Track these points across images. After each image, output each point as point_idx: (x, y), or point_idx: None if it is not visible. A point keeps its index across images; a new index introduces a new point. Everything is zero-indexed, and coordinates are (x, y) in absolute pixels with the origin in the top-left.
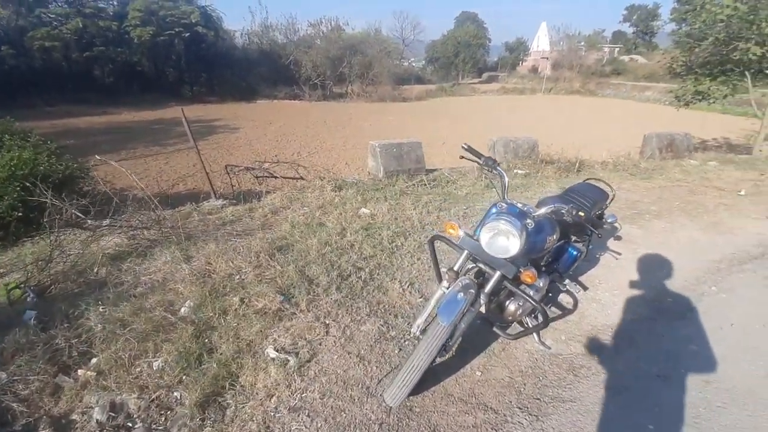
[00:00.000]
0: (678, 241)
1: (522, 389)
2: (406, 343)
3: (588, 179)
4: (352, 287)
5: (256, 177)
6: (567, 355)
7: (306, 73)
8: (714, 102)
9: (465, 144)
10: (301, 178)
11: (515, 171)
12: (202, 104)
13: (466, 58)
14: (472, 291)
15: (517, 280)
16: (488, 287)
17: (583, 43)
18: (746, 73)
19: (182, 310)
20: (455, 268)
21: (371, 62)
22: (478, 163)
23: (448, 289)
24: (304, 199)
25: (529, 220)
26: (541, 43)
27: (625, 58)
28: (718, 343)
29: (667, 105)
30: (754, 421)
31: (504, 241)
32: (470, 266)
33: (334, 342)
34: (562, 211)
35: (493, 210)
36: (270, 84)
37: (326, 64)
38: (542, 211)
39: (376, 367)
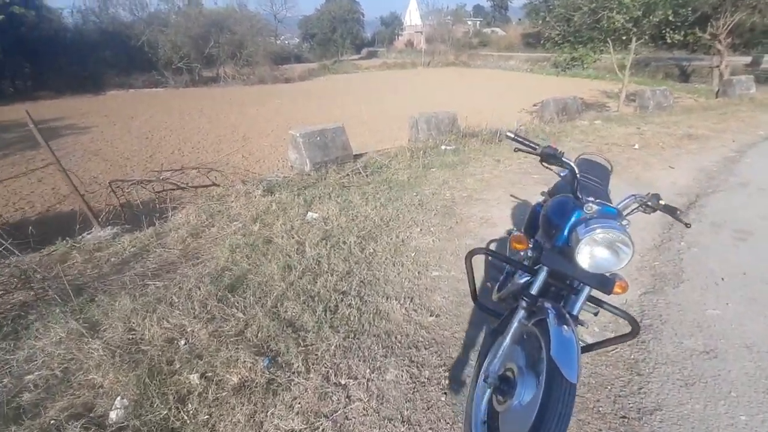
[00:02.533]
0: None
1: None
2: (446, 381)
3: (582, 155)
4: (349, 321)
5: (156, 192)
6: None
7: (166, 56)
8: (586, 67)
9: (510, 132)
10: (215, 185)
11: (443, 147)
12: (31, 101)
13: (344, 34)
14: (566, 316)
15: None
16: (576, 307)
17: (450, 18)
18: (608, 40)
19: (112, 415)
20: (534, 292)
21: (242, 41)
22: (535, 154)
23: (527, 320)
24: (229, 210)
25: (625, 221)
26: (413, 17)
27: (488, 30)
28: None
29: (528, 72)
30: None
31: (609, 254)
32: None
33: (364, 409)
34: (648, 203)
35: (577, 214)
36: (122, 71)
37: (189, 44)
38: (628, 205)
39: (430, 429)
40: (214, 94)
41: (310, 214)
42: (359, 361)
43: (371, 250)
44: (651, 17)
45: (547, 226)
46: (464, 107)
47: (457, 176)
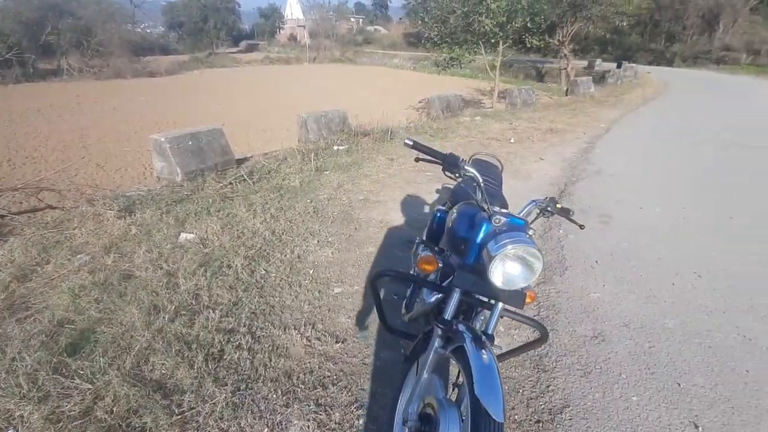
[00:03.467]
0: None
1: None
2: (361, 421)
3: (475, 155)
4: (238, 369)
5: None
6: None
7: None
8: (463, 66)
9: (409, 139)
10: (51, 207)
11: (335, 147)
12: None
13: (218, 24)
14: (482, 339)
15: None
16: (491, 326)
17: (332, 13)
18: (480, 42)
19: None
20: (448, 317)
21: (90, 28)
22: (438, 163)
23: (443, 348)
24: (72, 241)
25: (531, 230)
26: (294, 11)
27: (371, 28)
28: None
29: (411, 70)
30: None
31: (522, 268)
32: (432, 298)
33: None
34: (548, 208)
35: (486, 227)
36: None
37: (20, 31)
38: (530, 211)
39: None
40: (55, 90)
41: (183, 235)
42: (254, 418)
43: (262, 272)
44: (513, 23)
45: (455, 240)
46: (353, 105)
47: (352, 178)
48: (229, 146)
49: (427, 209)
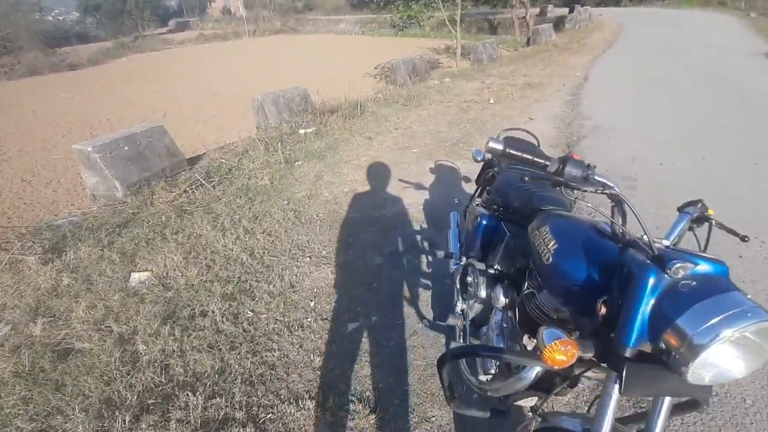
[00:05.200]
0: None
1: None
2: None
3: (506, 131)
4: None
5: None
6: None
7: None
8: (423, 25)
9: (495, 140)
10: None
11: (301, 131)
12: None
13: (141, 3)
14: None
15: None
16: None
17: None
18: None
19: None
20: None
21: None
22: (547, 179)
23: None
24: None
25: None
26: None
27: None
28: None
29: (360, 35)
30: None
31: (743, 356)
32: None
33: None
34: (704, 218)
35: (651, 281)
36: None
37: None
38: (683, 230)
39: None
40: None
41: (135, 276)
42: None
43: (249, 315)
44: None
45: (563, 291)
46: (310, 79)
47: (331, 166)
48: (176, 145)
49: (433, 198)
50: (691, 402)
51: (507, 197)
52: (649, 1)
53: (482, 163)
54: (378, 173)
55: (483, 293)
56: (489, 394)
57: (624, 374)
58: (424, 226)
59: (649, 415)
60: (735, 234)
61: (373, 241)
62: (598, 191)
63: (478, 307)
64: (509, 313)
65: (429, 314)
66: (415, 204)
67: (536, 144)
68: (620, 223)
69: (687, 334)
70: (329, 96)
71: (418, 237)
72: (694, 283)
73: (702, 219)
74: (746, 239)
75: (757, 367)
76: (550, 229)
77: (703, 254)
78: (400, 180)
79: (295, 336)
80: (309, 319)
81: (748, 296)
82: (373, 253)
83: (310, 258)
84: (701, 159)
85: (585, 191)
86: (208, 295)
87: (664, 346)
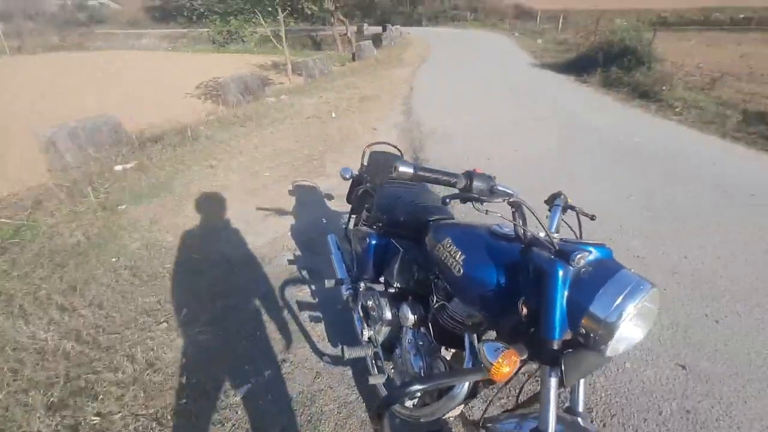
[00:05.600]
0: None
1: None
2: None
3: (370, 146)
4: None
5: None
6: None
7: None
8: (246, 40)
9: (405, 163)
10: None
11: (117, 168)
12: None
13: None
14: None
15: None
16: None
17: None
18: (256, 11)
19: None
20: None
21: None
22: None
23: None
24: None
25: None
26: None
27: (95, 2)
28: None
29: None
30: None
31: (641, 325)
32: None
33: None
34: (567, 206)
35: (559, 274)
36: None
37: None
38: (559, 221)
39: None
40: None
41: None
42: None
43: (95, 422)
44: None
45: (480, 300)
46: (119, 104)
47: (168, 206)
48: None
49: (300, 222)
50: None
51: (392, 213)
52: (443, 21)
53: (350, 180)
54: (231, 204)
55: (388, 315)
56: (422, 420)
57: (563, 368)
58: (298, 253)
59: (573, 394)
60: (586, 215)
61: (243, 283)
62: (504, 200)
63: (385, 330)
64: (422, 330)
65: (328, 349)
66: (281, 231)
67: (400, 155)
68: (521, 225)
69: (601, 318)
70: (148, 122)
71: (295, 267)
72: (591, 269)
73: (566, 208)
74: (594, 218)
75: (650, 327)
76: (453, 240)
77: (590, 241)
78: (259, 208)
79: (169, 429)
80: (184, 401)
81: (632, 270)
82: (247, 297)
83: (167, 323)
84: (540, 146)
85: (490, 202)
86: (27, 412)
87: (584, 331)
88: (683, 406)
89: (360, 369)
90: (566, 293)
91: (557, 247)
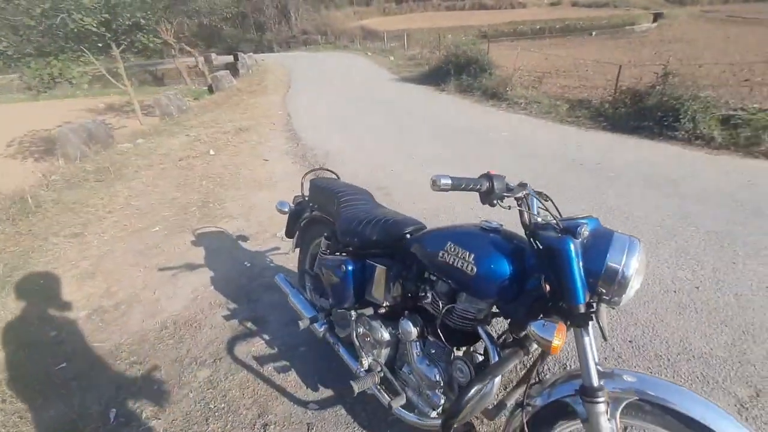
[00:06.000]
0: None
1: None
2: None
3: (308, 174)
4: None
5: None
6: None
7: None
8: (76, 83)
9: (441, 177)
10: None
11: None
12: None
13: None
14: None
15: None
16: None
17: None
18: (83, 48)
19: None
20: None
21: None
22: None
23: None
24: None
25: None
26: None
27: None
28: None
29: None
30: None
31: (640, 275)
32: None
33: None
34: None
35: (570, 247)
36: None
37: None
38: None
39: None
40: None
41: None
42: None
43: None
44: (122, 19)
45: (499, 287)
46: None
47: (30, 292)
48: None
49: (218, 273)
50: None
51: (362, 235)
52: (296, 45)
53: (287, 214)
54: (120, 272)
55: (386, 335)
56: (456, 425)
57: (600, 324)
58: (233, 306)
59: (582, 348)
60: (547, 196)
61: (182, 356)
62: (521, 194)
63: (386, 352)
64: (430, 339)
65: (310, 396)
66: (200, 288)
67: (337, 177)
68: (529, 215)
69: (615, 277)
70: None
71: (235, 321)
72: (592, 238)
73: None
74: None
75: (644, 275)
76: (457, 243)
77: (580, 215)
78: (162, 269)
79: None
80: None
81: (619, 231)
82: (191, 371)
83: None
84: (410, 156)
85: (509, 197)
86: None
87: (602, 290)
88: None
89: (351, 403)
90: (581, 263)
91: (562, 226)
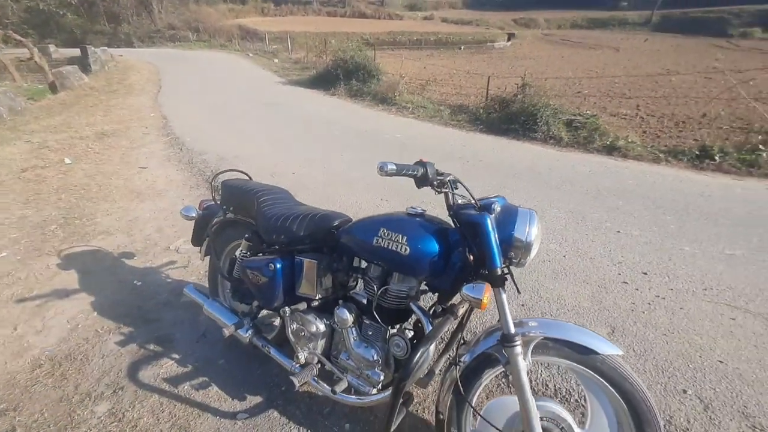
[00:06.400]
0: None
1: None
2: None
3: (220, 175)
4: None
5: None
6: None
7: None
8: None
9: (384, 164)
10: None
11: None
12: None
13: None
14: None
15: None
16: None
17: None
18: None
19: None
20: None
21: None
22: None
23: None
24: None
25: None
26: None
27: None
28: None
29: None
30: None
31: (538, 240)
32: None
33: None
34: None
35: (488, 223)
36: None
37: None
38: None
39: None
40: None
41: None
42: None
43: None
44: None
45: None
46: None
47: None
48: None
49: (102, 297)
50: None
51: (290, 231)
52: (161, 42)
53: (194, 220)
54: None
55: (321, 327)
56: (407, 388)
57: (515, 281)
58: (127, 330)
59: (501, 303)
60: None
61: (57, 407)
62: (448, 180)
63: (322, 343)
64: (366, 321)
65: (237, 405)
66: (79, 317)
67: (249, 177)
68: (452, 196)
69: (522, 243)
70: None
71: (134, 345)
72: (501, 214)
73: (456, 182)
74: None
75: (540, 240)
76: (389, 228)
77: (491, 196)
78: (20, 300)
79: None
80: None
81: (519, 205)
82: (78, 417)
83: None
84: (308, 159)
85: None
86: None
87: (512, 255)
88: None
89: (283, 404)
90: (496, 235)
91: (480, 204)
